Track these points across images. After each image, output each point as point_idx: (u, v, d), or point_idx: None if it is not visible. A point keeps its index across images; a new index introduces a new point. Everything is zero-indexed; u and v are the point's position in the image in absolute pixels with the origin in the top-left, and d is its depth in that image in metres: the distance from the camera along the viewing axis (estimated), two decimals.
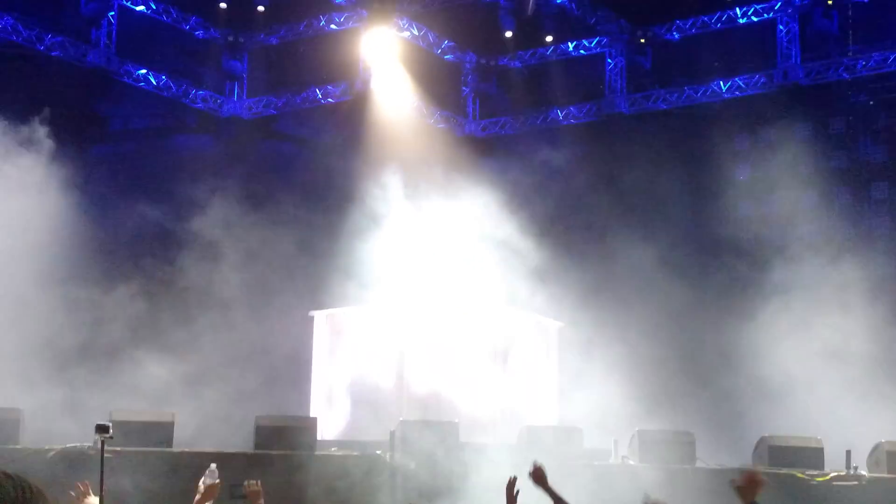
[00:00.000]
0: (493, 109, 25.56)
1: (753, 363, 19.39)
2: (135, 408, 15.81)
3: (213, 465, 7.32)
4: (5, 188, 16.76)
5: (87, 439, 13.93)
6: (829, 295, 19.16)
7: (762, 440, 16.86)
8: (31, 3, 21.08)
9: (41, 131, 17.63)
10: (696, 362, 20.43)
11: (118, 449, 13.28)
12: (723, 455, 17.37)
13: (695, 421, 17.91)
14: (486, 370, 18.38)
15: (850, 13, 22.06)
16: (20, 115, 17.82)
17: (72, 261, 17.80)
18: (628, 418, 17.19)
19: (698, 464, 16.33)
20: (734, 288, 21.34)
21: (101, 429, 8.89)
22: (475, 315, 18.49)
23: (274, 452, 14.98)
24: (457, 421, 16.58)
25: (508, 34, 22.40)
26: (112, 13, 22.14)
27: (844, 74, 21.96)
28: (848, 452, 16.42)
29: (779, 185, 22.62)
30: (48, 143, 17.66)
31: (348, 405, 18.48)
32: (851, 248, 21.64)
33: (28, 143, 17.52)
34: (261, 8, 21.71)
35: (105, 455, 8.78)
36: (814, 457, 16.48)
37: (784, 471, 15.93)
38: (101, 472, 8.48)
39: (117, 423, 14.37)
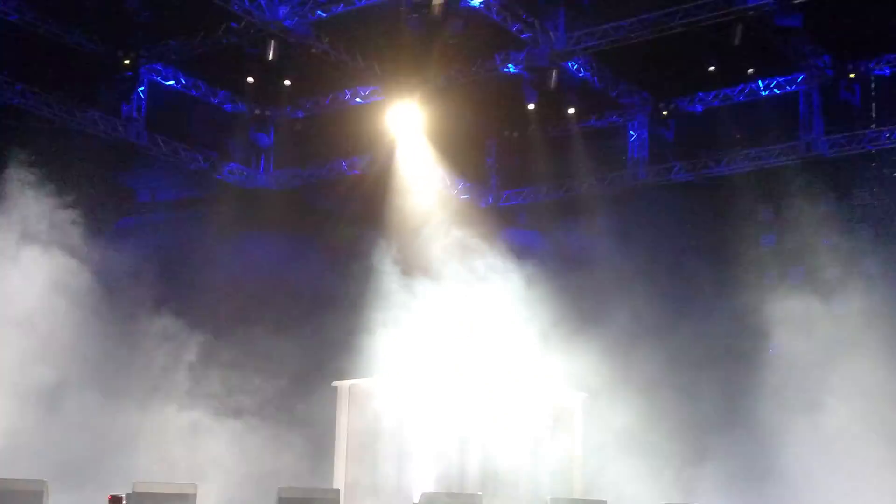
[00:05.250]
0: (516, 181, 25.72)
1: (777, 438, 19.13)
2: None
3: None
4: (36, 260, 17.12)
5: None
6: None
7: None
8: (63, 78, 21.50)
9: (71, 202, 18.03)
10: (721, 434, 20.17)
11: None
12: None
13: (718, 494, 17.67)
14: (508, 442, 18.26)
15: (872, 86, 22.13)
16: (51, 186, 18.19)
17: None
18: (653, 491, 17.00)
19: None
20: (759, 361, 21.12)
21: (115, 500, 8.88)
22: (497, 387, 18.42)
23: None
24: (480, 493, 16.44)
25: (531, 107, 22.59)
26: (142, 88, 22.61)
27: (868, 147, 21.96)
28: None
29: (803, 257, 22.50)
30: (78, 214, 18.02)
31: (371, 476, 18.36)
32: (879, 322, 21.40)
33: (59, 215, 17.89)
34: (287, 82, 22.05)
35: None
36: None
37: None
38: None
39: (139, 495, 14.43)
